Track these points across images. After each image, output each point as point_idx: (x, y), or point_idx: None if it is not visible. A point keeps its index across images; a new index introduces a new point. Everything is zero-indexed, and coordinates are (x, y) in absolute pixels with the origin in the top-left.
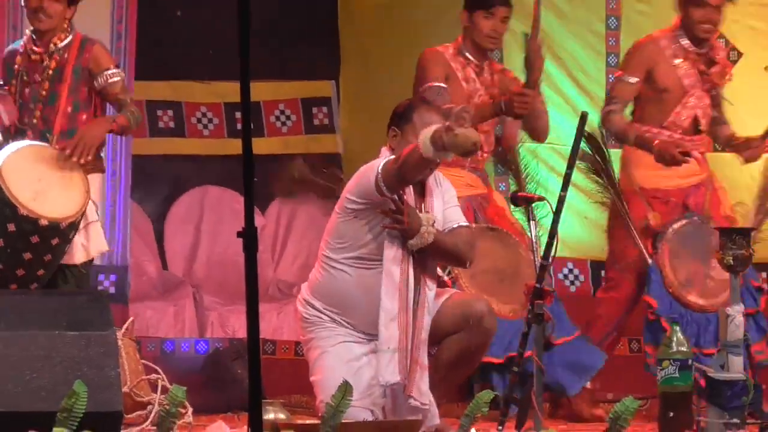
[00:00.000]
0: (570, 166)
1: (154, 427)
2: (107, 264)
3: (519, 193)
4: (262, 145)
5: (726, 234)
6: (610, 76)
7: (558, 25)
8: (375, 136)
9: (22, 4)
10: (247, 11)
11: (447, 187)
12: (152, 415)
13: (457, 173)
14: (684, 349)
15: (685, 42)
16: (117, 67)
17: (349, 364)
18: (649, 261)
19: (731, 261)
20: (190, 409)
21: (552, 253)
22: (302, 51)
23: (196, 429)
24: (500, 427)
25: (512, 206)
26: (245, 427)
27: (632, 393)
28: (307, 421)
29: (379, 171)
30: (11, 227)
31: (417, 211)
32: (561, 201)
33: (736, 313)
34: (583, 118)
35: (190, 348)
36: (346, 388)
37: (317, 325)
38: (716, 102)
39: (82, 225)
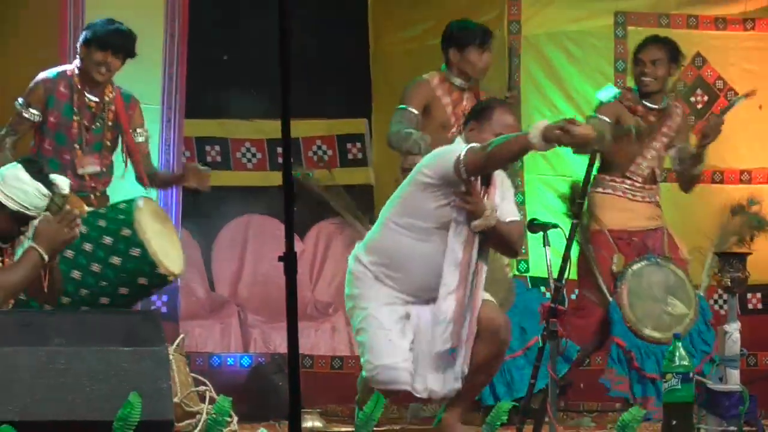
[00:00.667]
0: (582, 196)
1: None
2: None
3: (536, 221)
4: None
5: (724, 258)
6: None
7: (570, 66)
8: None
9: (79, 52)
10: (288, 56)
11: (508, 185)
12: (201, 423)
13: None
14: (686, 363)
15: (643, 100)
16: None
17: (391, 329)
18: (610, 299)
19: (729, 282)
20: (236, 418)
21: (565, 276)
22: (337, 92)
23: None
24: None
25: (529, 232)
26: None
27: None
28: (342, 429)
29: (464, 154)
30: (143, 281)
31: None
32: (573, 228)
33: (734, 330)
34: (594, 154)
35: (235, 362)
36: (377, 399)
37: (362, 281)
38: (683, 157)
39: None
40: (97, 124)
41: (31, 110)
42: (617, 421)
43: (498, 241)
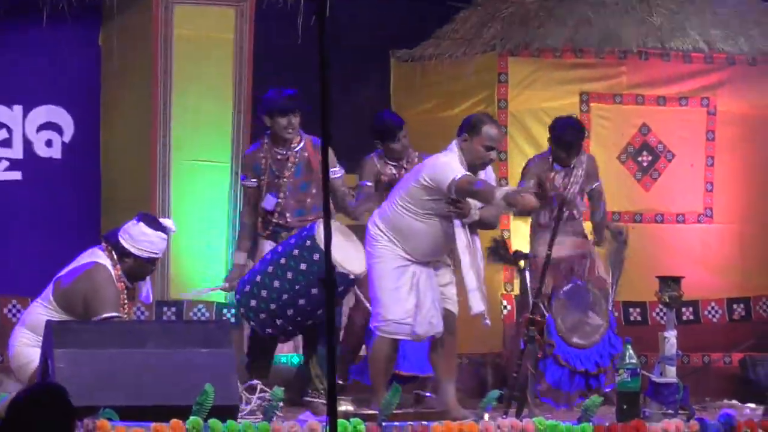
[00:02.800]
0: (553, 237)
1: (262, 415)
2: (230, 302)
3: (519, 251)
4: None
5: (663, 280)
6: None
7: (546, 135)
8: None
9: (266, 122)
10: (327, 134)
11: (491, 173)
12: (260, 407)
13: None
14: (634, 361)
15: (556, 162)
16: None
17: (400, 288)
18: (546, 314)
19: (667, 299)
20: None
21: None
22: (366, 154)
23: (289, 416)
24: (504, 415)
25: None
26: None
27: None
28: (369, 411)
29: (456, 181)
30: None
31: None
32: (548, 257)
33: (671, 336)
34: (562, 201)
35: (287, 361)
36: (396, 390)
37: (378, 242)
38: (593, 196)
39: None
40: (291, 170)
41: (251, 180)
42: (582, 406)
43: (480, 225)
